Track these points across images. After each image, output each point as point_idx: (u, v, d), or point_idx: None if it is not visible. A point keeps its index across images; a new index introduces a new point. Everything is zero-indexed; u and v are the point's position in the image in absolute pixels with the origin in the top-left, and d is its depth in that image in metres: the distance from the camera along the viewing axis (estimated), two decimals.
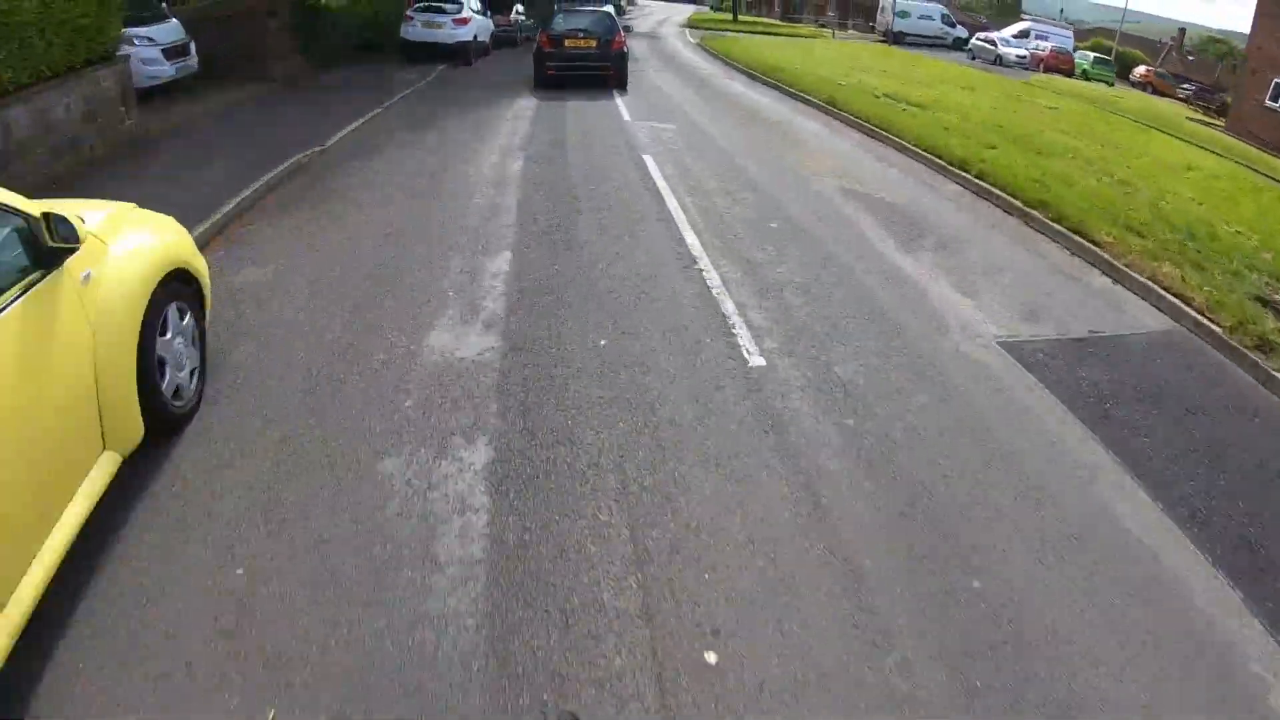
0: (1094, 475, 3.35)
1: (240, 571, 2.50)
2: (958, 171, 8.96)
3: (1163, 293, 5.47)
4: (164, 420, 3.21)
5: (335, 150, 8.53)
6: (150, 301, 3.11)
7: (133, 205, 3.65)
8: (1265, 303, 5.44)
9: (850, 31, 43.64)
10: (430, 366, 3.75)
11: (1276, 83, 27.00)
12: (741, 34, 31.18)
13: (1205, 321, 5.04)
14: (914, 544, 2.81)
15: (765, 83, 16.58)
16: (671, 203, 6.61)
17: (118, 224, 3.29)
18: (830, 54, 24.17)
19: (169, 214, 3.74)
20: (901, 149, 10.23)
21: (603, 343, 4.03)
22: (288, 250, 5.36)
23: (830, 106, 13.09)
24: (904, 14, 37.85)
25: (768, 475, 3.09)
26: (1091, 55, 38.12)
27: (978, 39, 36.58)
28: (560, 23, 13.91)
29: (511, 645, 2.25)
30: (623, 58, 14.05)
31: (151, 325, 3.12)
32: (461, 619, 2.34)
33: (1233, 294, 5.38)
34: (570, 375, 3.70)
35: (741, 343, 4.15)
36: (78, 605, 2.34)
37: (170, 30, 10.88)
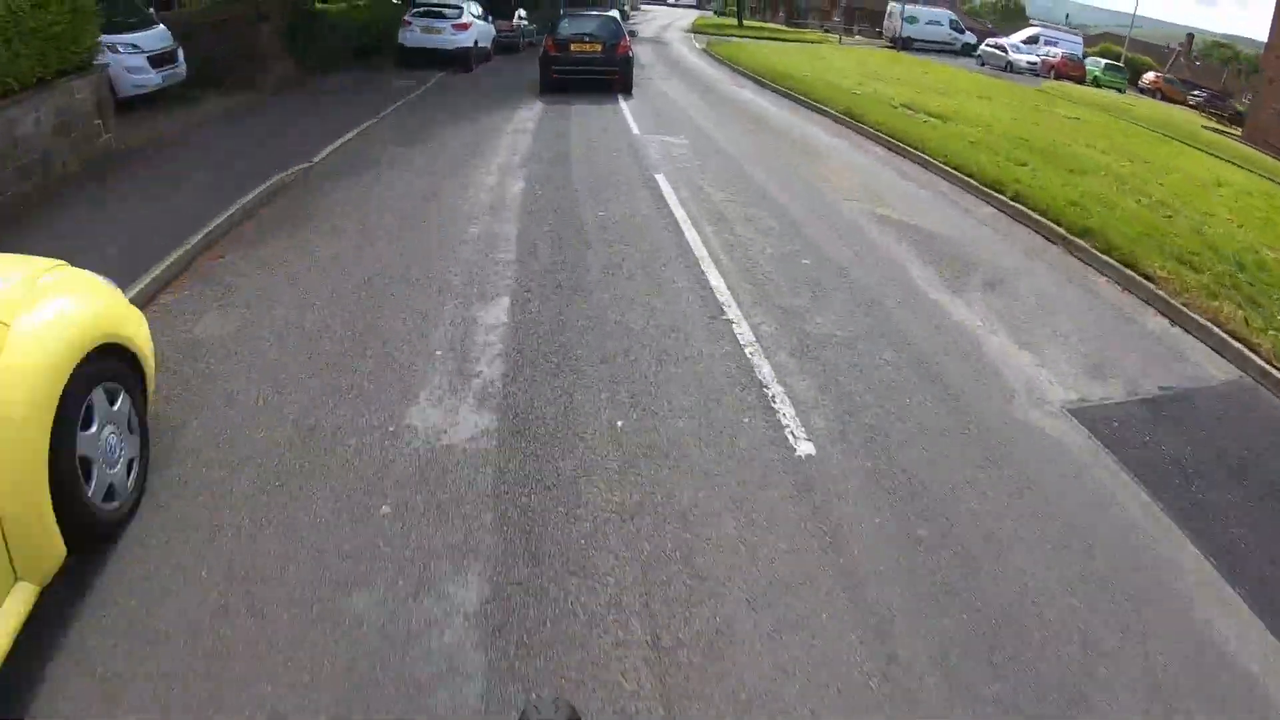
0: (1191, 590, 2.83)
1: None
2: (991, 192, 8.39)
3: (1225, 337, 5.06)
4: (93, 529, 2.61)
5: (322, 167, 7.92)
6: (67, 391, 2.51)
7: (57, 263, 3.03)
8: None
9: (856, 37, 43.09)
10: (412, 457, 3.12)
11: None
12: (747, 39, 30.60)
13: (1273, 371, 4.66)
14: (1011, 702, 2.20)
15: (776, 90, 15.98)
16: (690, 234, 5.96)
17: (28, 294, 2.67)
18: (840, 60, 23.58)
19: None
20: (927, 165, 9.64)
21: (620, 424, 3.40)
22: (259, 291, 4.75)
23: (847, 117, 12.50)
24: (912, 20, 37.30)
25: (830, 617, 2.47)
26: (1103, 62, 37.54)
27: (987, 45, 36.02)
28: (566, 27, 13.78)
29: None
30: (628, 62, 13.93)
31: (69, 420, 2.52)
32: None
33: None
34: (582, 472, 3.07)
35: (785, 422, 3.51)
36: None
37: (156, 37, 10.38)
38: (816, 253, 5.79)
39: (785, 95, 15.44)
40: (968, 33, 40.31)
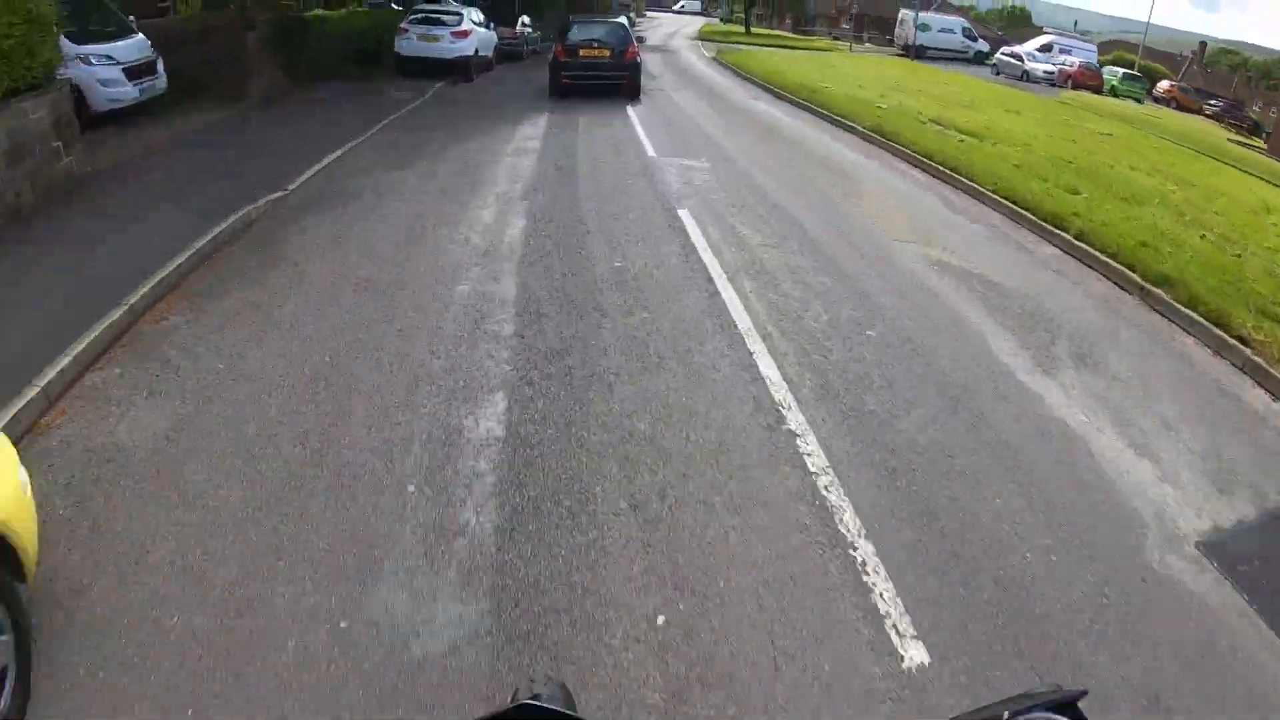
0: None
1: None
2: (1050, 228, 7.48)
3: None
4: None
5: (298, 196, 6.96)
6: None
7: None
8: None
9: (866, 45, 42.21)
10: (370, 675, 2.14)
11: None
12: (756, 47, 29.68)
13: None
14: None
15: (794, 103, 15.03)
16: (728, 294, 4.93)
17: None
18: (854, 70, 22.65)
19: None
20: (974, 194, 8.69)
21: (661, 620, 2.39)
22: (200, 373, 3.79)
23: (877, 135, 11.54)
24: (925, 27, 36.38)
25: None
26: (1120, 71, 36.63)
27: (1003, 54, 35.07)
28: (575, 34, 13.75)
29: None
30: (636, 67, 13.93)
31: None
32: None
33: None
34: (610, 712, 2.06)
35: (885, 609, 2.51)
36: None
37: (134, 47, 9.54)
38: (879, 318, 4.79)
39: (804, 108, 14.49)
40: (980, 40, 39.41)
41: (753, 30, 41.63)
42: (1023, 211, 7.95)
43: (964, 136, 12.07)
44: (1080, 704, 0.62)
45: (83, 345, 4.09)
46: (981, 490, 3.26)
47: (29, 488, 2.22)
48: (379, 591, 2.44)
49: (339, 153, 8.69)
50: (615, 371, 3.89)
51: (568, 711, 0.63)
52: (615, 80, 13.53)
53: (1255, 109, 42.79)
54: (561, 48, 13.62)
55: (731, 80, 19.13)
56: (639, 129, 10.88)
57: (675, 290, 4.97)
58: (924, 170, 9.85)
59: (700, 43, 32.32)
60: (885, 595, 2.57)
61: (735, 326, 4.45)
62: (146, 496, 2.91)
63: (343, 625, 2.31)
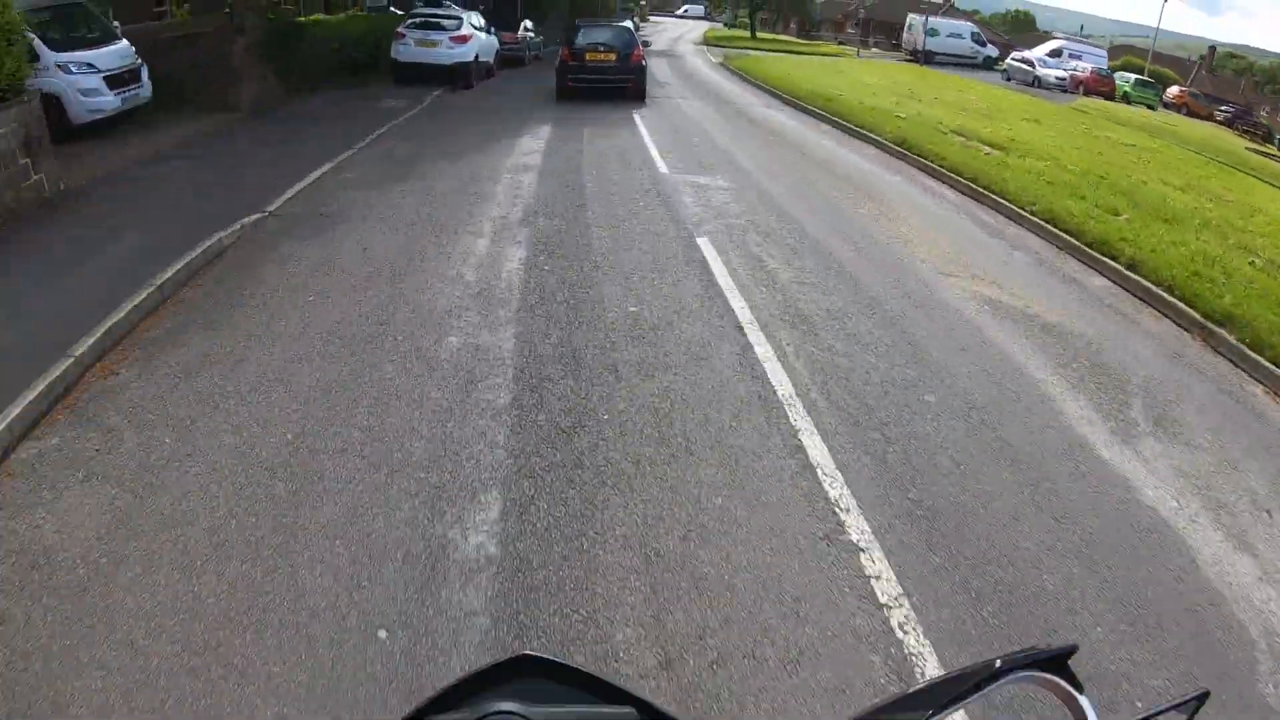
0: None
1: None
2: (1097, 255, 6.90)
3: None
4: None
5: (277, 220, 6.34)
6: None
7: None
8: None
9: (873, 50, 41.62)
10: None
11: None
12: (763, 52, 29.10)
13: None
14: None
15: (809, 112, 14.41)
16: (762, 348, 4.23)
17: None
18: (866, 76, 22.03)
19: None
20: (1012, 215, 8.07)
21: None
22: (142, 453, 3.20)
23: (899, 148, 10.93)
24: (933, 32, 35.77)
25: None
26: (1132, 77, 36.00)
27: (1013, 59, 34.45)
28: (582, 37, 13.81)
29: None
30: (642, 70, 14.06)
31: None
32: None
33: None
34: None
35: None
36: None
37: (116, 54, 9.00)
38: (936, 377, 4.13)
39: (819, 117, 13.88)
40: (989, 45, 38.81)
41: (758, 35, 41.04)
42: (1065, 235, 7.36)
43: (990, 149, 11.46)
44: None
45: (20, 407, 3.52)
46: (1078, 615, 2.64)
47: None
48: None
49: (327, 167, 8.09)
50: (635, 460, 3.19)
51: (566, 662, 0.61)
52: (621, 83, 13.60)
53: (1264, 114, 42.19)
54: (569, 51, 13.68)
55: (740, 87, 18.52)
56: (648, 141, 10.25)
57: (701, 344, 4.27)
58: (953, 187, 9.24)
59: (706, 48, 31.74)
60: None
61: (775, 393, 3.76)
62: (71, 621, 2.35)
63: None
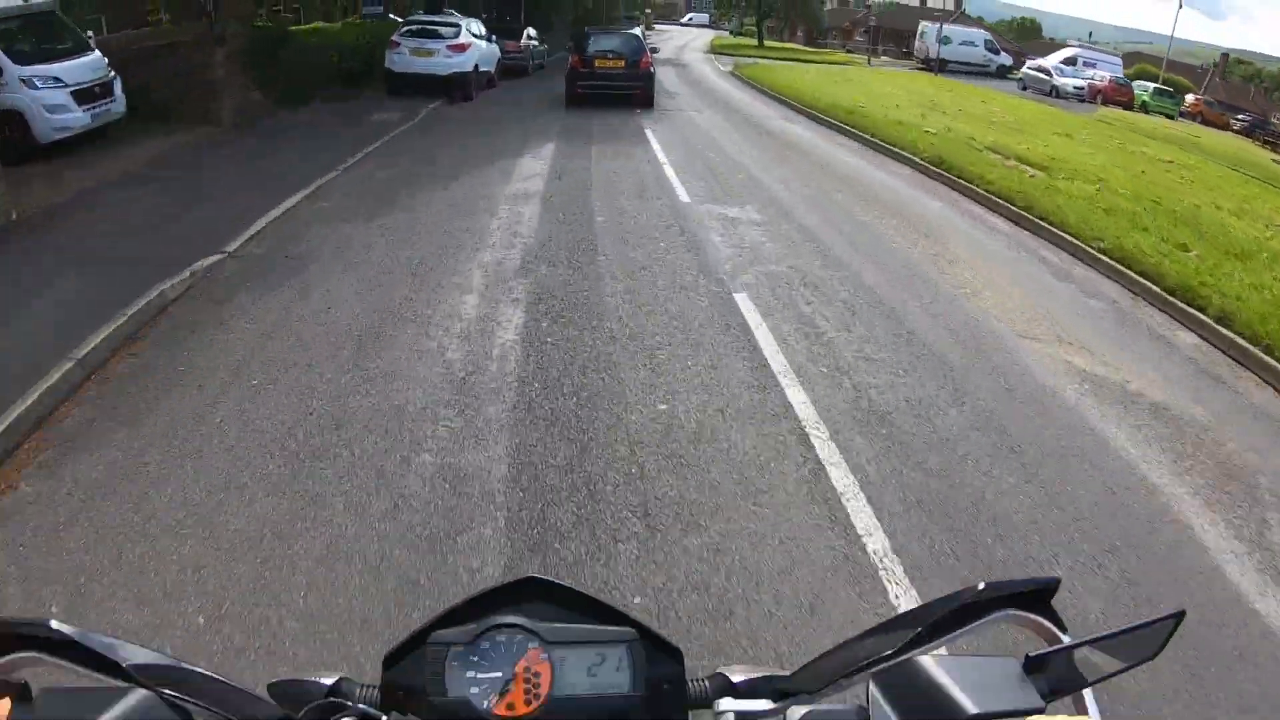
0: None
1: None
2: (1182, 305, 5.92)
3: None
4: None
5: (236, 263, 5.43)
6: None
7: None
8: None
9: (883, 58, 40.75)
10: None
11: None
12: (772, 61, 28.21)
13: None
14: None
15: (832, 126, 13.49)
16: (839, 476, 3.14)
17: None
18: (882, 86, 21.10)
19: None
20: (1075, 251, 7.13)
21: None
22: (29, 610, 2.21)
23: (937, 168, 9.99)
24: (946, 40, 34.90)
25: None
26: (1150, 86, 35.10)
27: (1029, 68, 33.56)
28: (591, 45, 13.96)
29: None
30: (650, 77, 14.23)
31: None
32: None
33: None
34: None
35: None
36: None
37: (85, 67, 8.18)
38: (1054, 505, 3.08)
39: (844, 132, 12.96)
40: (1003, 54, 37.95)
41: (765, 43, 40.21)
42: (1139, 279, 6.41)
43: (1030, 169, 10.53)
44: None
45: None
46: None
47: None
48: None
49: (303, 194, 7.17)
50: None
51: (571, 585, 0.63)
52: (630, 89, 13.75)
53: (1276, 120, 41.18)
54: (579, 58, 13.86)
55: (754, 98, 17.61)
56: (663, 161, 9.32)
57: (756, 469, 3.19)
58: (1003, 215, 8.30)
59: (714, 56, 30.89)
60: None
61: (864, 549, 2.71)
62: None
63: None
